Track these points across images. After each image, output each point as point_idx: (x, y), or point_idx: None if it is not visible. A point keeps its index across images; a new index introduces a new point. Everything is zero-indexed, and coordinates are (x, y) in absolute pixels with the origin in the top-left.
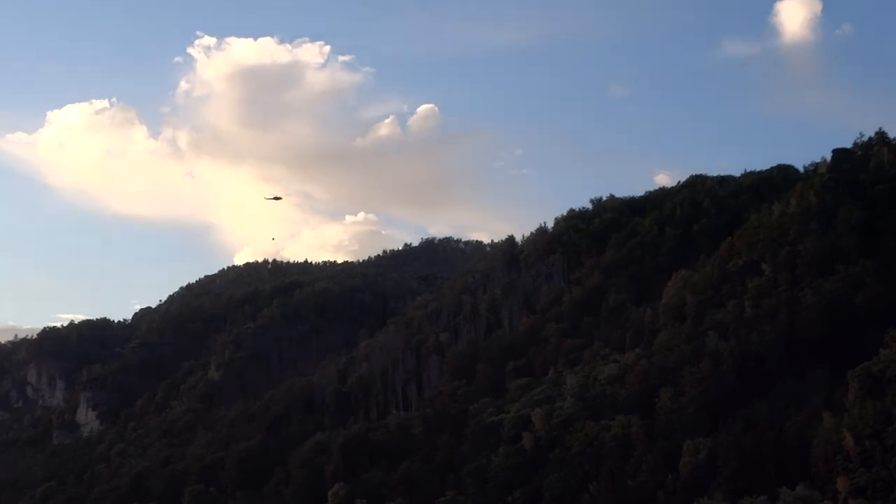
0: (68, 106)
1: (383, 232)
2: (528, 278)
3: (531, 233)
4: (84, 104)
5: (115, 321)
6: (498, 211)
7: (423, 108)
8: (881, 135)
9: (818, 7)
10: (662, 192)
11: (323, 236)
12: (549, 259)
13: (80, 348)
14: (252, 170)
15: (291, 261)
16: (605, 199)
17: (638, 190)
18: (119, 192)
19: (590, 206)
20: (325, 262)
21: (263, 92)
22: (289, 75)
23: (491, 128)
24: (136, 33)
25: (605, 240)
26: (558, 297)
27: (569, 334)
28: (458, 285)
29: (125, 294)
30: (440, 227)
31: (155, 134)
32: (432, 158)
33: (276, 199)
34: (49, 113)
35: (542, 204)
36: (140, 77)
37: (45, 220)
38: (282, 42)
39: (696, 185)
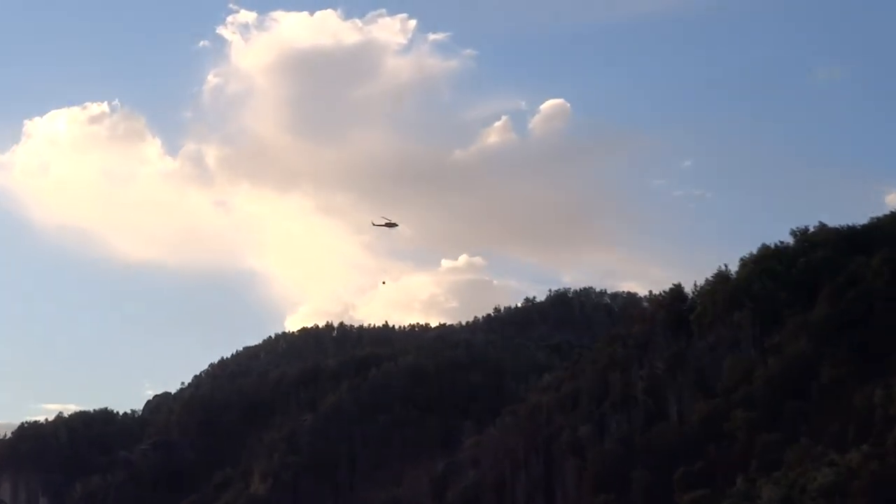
0: (53, 112)
1: (495, 282)
2: (703, 347)
3: (706, 280)
4: (75, 109)
5: (121, 413)
6: (658, 250)
7: (549, 106)
8: None
9: None
10: None
11: (410, 290)
12: (732, 318)
13: (71, 452)
14: (307, 197)
15: (366, 325)
16: (812, 229)
17: (860, 216)
18: (124, 231)
19: (791, 240)
20: (413, 327)
21: (323, 87)
22: (359, 63)
23: (646, 131)
24: (144, 10)
25: (814, 289)
26: (747, 373)
27: (764, 426)
28: (604, 358)
29: (134, 375)
30: (575, 274)
31: (173, 149)
32: (563, 176)
33: (391, 225)
34: (27, 122)
35: (722, 238)
36: (152, 71)
37: (23, 268)
38: (349, 16)
39: None
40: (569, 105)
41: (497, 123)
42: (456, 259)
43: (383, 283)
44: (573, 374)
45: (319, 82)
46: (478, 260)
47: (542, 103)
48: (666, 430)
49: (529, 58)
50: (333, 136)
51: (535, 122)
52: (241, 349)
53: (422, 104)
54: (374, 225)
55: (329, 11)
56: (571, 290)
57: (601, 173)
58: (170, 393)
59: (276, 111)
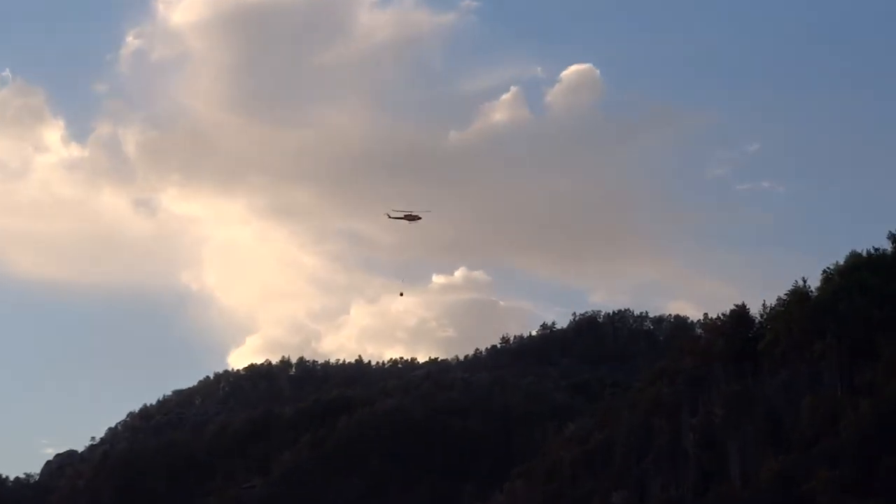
0: None
1: (502, 304)
2: (774, 385)
3: (778, 300)
4: None
5: (11, 478)
6: (715, 260)
7: (574, 73)
8: None
9: None
10: None
11: (392, 314)
12: (813, 348)
13: None
14: (257, 195)
15: (333, 360)
16: None
17: None
18: (16, 241)
19: (889, 246)
20: (395, 363)
21: (278, 51)
22: (324, 19)
23: (699, 106)
24: None
25: None
26: (833, 420)
27: (854, 488)
28: (645, 401)
29: (28, 429)
30: (607, 292)
31: (81, 134)
32: (591, 165)
33: (412, 217)
34: None
35: (798, 244)
36: (52, 32)
37: None
38: None
39: None
40: (598, 72)
41: (505, 96)
42: (451, 274)
43: (401, 294)
44: (605, 421)
45: (273, 45)
46: (479, 275)
47: (563, 70)
48: (727, 493)
49: (548, 10)
50: (291, 115)
51: (554, 95)
52: (170, 393)
53: (406, 72)
54: (389, 217)
55: None
56: (602, 313)
57: (641, 161)
58: (76, 451)
59: (217, 83)
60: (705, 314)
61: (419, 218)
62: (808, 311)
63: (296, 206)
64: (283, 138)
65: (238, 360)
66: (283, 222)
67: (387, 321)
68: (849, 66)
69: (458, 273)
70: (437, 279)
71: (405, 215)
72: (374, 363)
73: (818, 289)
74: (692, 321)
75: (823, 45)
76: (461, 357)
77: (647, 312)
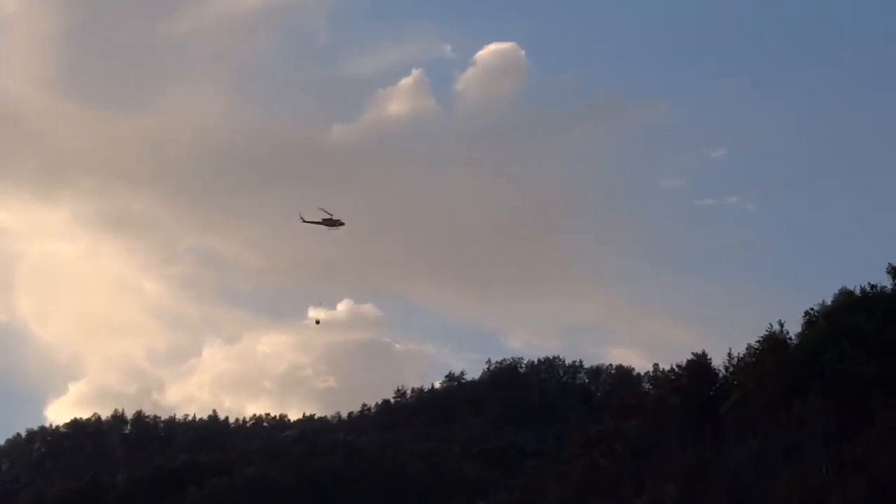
0: None
1: (397, 346)
2: (742, 456)
3: (748, 348)
4: None
5: None
6: (668, 296)
7: (490, 52)
8: None
9: None
10: None
11: (255, 357)
12: (790, 409)
13: None
14: (85, 200)
15: (180, 415)
16: None
17: None
18: None
19: (889, 282)
20: (260, 420)
21: (113, 19)
22: None
23: (653, 100)
24: None
25: None
26: (815, 500)
27: None
28: (577, 473)
29: None
30: (531, 334)
31: None
32: (511, 168)
33: (332, 223)
34: None
35: (775, 277)
36: None
37: None
38: None
39: None
40: (522, 53)
41: (404, 81)
42: (333, 307)
43: (317, 322)
44: (526, 499)
45: (108, 9)
46: (368, 309)
47: (479, 49)
48: None
49: None
50: (131, 100)
51: (466, 80)
52: None
53: (279, 48)
54: (304, 221)
55: None
56: (524, 361)
57: (574, 166)
58: None
59: (34, 57)
60: (655, 365)
61: (341, 224)
62: (786, 363)
63: (135, 217)
64: (119, 129)
65: (58, 414)
66: (119, 237)
67: (249, 366)
68: (840, 55)
69: (342, 306)
70: (315, 314)
71: (324, 219)
72: (232, 420)
73: (799, 335)
74: (638, 373)
75: (808, 28)
76: (344, 414)
77: (580, 361)
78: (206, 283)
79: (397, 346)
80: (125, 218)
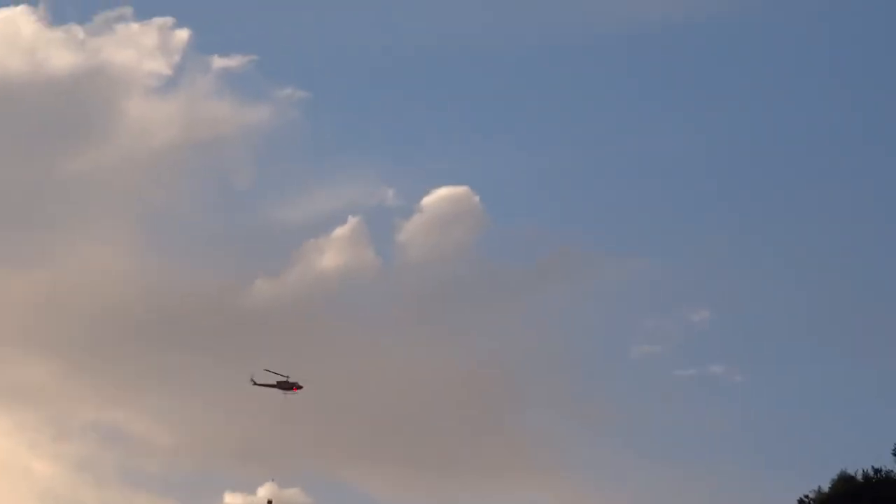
0: None
1: None
2: None
3: None
4: None
5: None
6: (643, 482)
7: (438, 197)
8: None
9: None
10: None
11: None
12: None
13: None
14: None
15: None
16: None
17: None
18: None
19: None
20: None
21: (3, 149)
22: (79, 106)
23: (622, 251)
24: None
25: None
26: None
27: None
28: None
29: None
30: None
31: None
32: (461, 331)
33: (285, 386)
34: None
35: (765, 459)
36: None
37: None
38: None
39: None
40: (478, 199)
41: (339, 230)
42: (253, 491)
43: (272, 479)
44: None
45: None
46: (294, 494)
47: (426, 194)
48: None
49: (405, 108)
50: (18, 250)
51: (411, 229)
52: None
53: (196, 191)
54: (254, 384)
55: None
56: None
57: (538, 331)
58: None
59: None
60: None
61: (298, 387)
62: None
63: (23, 386)
64: (7, 284)
65: None
66: (4, 410)
67: None
68: (835, 202)
69: (263, 491)
70: (232, 499)
71: (278, 382)
72: None
73: None
74: None
75: (802, 173)
76: None
77: None
78: (106, 463)
79: None
80: (11, 388)
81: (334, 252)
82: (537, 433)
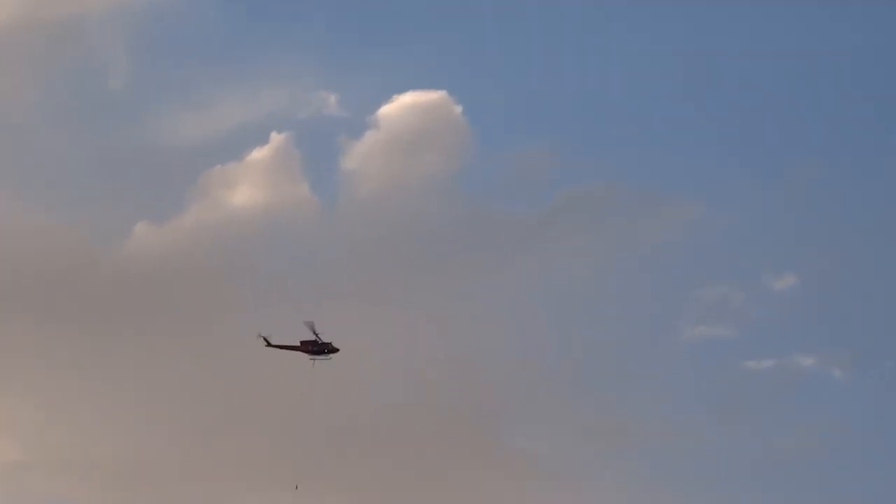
0: None
1: None
2: None
3: None
4: None
5: None
6: None
7: (402, 106)
8: None
9: None
10: None
11: None
12: None
13: None
14: None
15: None
16: None
17: None
18: None
19: None
20: None
21: None
22: None
23: (681, 191)
24: None
25: None
26: None
27: None
28: None
29: None
30: None
31: None
32: (432, 307)
33: (321, 349)
34: None
35: None
36: None
37: None
38: None
39: None
40: (459, 110)
41: (257, 153)
42: None
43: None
44: None
45: None
46: None
47: (385, 101)
48: None
49: None
50: None
51: (362, 152)
52: None
53: (41, 67)
54: (268, 345)
55: None
56: None
57: (537, 302)
58: None
59: None
60: None
61: (333, 350)
62: None
63: None
64: None
65: None
66: None
67: None
68: None
69: None
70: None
71: (304, 343)
72: None
73: None
74: None
75: None
76: None
77: None
78: None
79: None
80: None
81: (249, 186)
82: (539, 459)
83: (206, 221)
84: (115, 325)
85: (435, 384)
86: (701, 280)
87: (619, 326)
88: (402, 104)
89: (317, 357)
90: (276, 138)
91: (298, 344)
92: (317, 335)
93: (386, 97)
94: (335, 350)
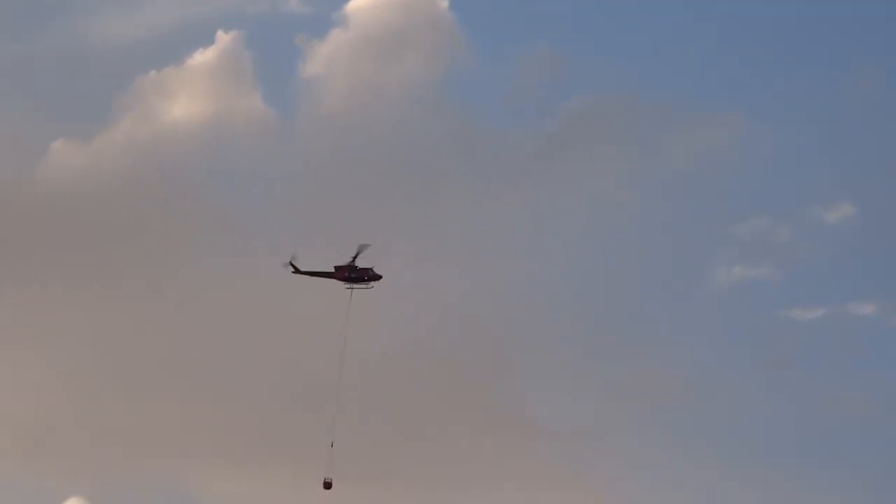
0: None
1: None
2: None
3: None
4: None
5: None
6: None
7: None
8: None
9: None
10: None
11: None
12: None
13: None
14: None
15: None
16: None
17: None
18: None
19: None
20: None
21: None
22: None
23: (718, 103)
24: None
25: None
26: None
27: None
28: None
29: None
30: None
31: None
32: (420, 238)
33: (364, 276)
34: None
35: None
36: None
37: None
38: None
39: None
40: (445, 4)
41: (199, 55)
42: None
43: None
44: None
45: None
46: None
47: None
48: None
49: None
50: None
51: (329, 57)
52: None
53: None
54: (296, 272)
55: None
56: None
57: (544, 237)
58: None
59: None
60: None
61: (376, 277)
62: None
63: None
64: None
65: None
66: None
67: None
68: None
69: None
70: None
71: (339, 270)
72: None
73: None
74: None
75: None
76: None
77: None
78: None
79: None
80: None
81: (191, 95)
82: (547, 419)
83: (137, 137)
84: (29, 261)
85: (422, 336)
86: (738, 212)
87: (640, 268)
88: None
89: (355, 286)
90: (222, 38)
91: (333, 270)
92: (352, 260)
93: None
94: (377, 277)
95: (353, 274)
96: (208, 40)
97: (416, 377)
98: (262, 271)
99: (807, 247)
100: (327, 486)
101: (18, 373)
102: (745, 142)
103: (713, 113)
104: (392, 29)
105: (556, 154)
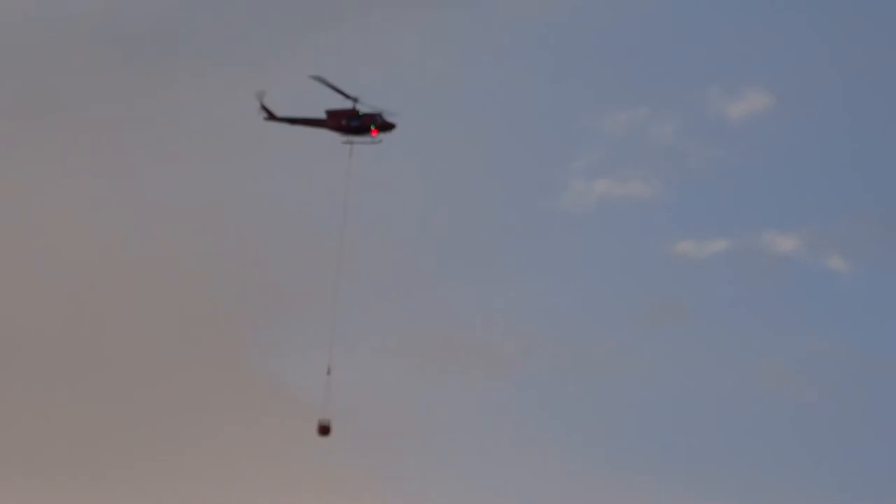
0: None
1: None
2: None
3: None
4: None
5: None
6: None
7: None
8: None
9: None
10: None
11: None
12: None
13: None
14: None
15: None
16: None
17: None
18: None
19: None
20: None
21: None
22: None
23: None
24: None
25: None
26: None
27: None
28: None
29: None
30: None
31: None
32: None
33: (379, 125)
34: None
35: None
36: None
37: None
38: None
39: None
40: None
41: None
42: None
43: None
44: None
45: None
46: None
47: None
48: None
49: None
50: None
51: None
52: None
53: None
54: (269, 117)
55: None
56: None
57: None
58: None
59: None
60: None
61: (389, 127)
62: None
63: None
64: None
65: None
66: None
67: None
68: None
69: None
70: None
71: (334, 114)
72: None
73: None
74: None
75: None
76: None
77: None
78: None
79: None
80: None
81: None
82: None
83: None
84: None
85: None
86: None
87: (472, 176)
88: None
89: (355, 139)
90: None
91: (324, 117)
92: (353, 105)
93: None
94: (389, 126)
95: (354, 122)
96: None
97: None
98: None
99: (702, 152)
100: (324, 430)
101: None
102: None
103: None
104: None
105: None
